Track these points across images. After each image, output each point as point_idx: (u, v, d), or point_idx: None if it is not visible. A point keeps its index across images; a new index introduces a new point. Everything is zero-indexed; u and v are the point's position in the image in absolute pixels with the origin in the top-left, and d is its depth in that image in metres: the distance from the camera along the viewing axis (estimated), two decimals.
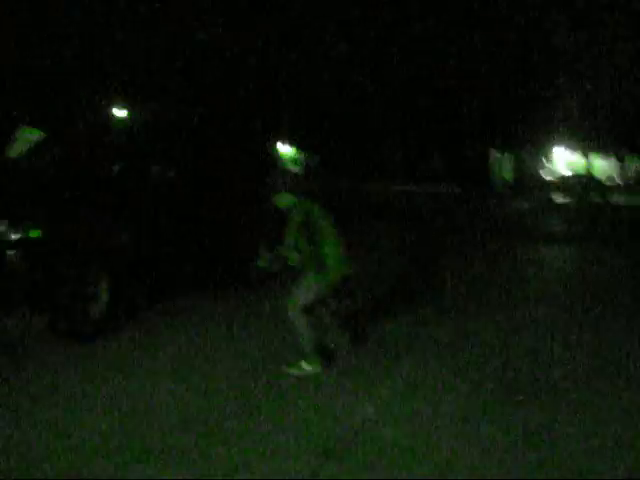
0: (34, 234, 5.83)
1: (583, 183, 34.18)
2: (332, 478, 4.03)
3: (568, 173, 39.50)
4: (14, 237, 5.72)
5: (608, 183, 37.26)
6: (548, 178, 38.30)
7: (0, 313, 6.65)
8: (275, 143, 28.09)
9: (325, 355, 6.01)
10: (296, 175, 6.07)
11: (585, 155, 42.70)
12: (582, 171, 40.00)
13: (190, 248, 7.86)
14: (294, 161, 31.90)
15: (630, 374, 5.92)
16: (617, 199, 32.33)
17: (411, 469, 4.17)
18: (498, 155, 38.01)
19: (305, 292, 5.75)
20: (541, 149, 42.53)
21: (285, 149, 32.00)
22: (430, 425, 4.88)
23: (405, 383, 5.72)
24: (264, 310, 7.80)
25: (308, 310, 5.78)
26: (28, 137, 7.79)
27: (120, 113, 15.29)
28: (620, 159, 44.19)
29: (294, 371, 5.77)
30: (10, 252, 5.68)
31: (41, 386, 5.33)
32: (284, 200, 5.83)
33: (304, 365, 5.78)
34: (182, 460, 4.20)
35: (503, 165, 39.22)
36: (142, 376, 5.65)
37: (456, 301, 8.73)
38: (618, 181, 41.98)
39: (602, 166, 43.63)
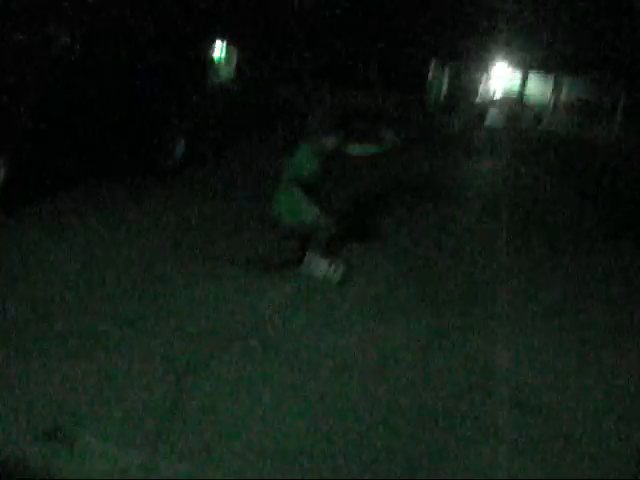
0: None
1: (514, 106, 34.35)
2: (228, 365, 4.07)
3: (500, 94, 39.59)
4: None
5: (538, 112, 37.39)
6: (478, 100, 38.39)
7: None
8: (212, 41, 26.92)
9: None
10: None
11: (524, 75, 42.58)
12: (516, 93, 40.07)
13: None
14: (226, 62, 30.82)
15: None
16: (549, 123, 32.72)
17: (314, 358, 4.24)
18: (436, 65, 37.60)
19: None
20: (481, 63, 42.27)
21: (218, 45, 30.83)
22: (339, 316, 4.97)
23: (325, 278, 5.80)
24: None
25: None
26: None
27: None
28: (558, 82, 44.08)
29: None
30: None
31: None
32: None
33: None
34: (75, 341, 4.15)
35: (440, 76, 38.92)
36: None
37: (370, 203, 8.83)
38: (551, 105, 42.06)
39: (539, 87, 43.59)
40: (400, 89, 34.22)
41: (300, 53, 32.52)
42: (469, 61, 39.91)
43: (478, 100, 36.82)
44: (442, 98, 38.07)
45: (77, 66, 7.35)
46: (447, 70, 39.89)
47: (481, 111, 33.31)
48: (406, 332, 4.84)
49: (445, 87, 39.72)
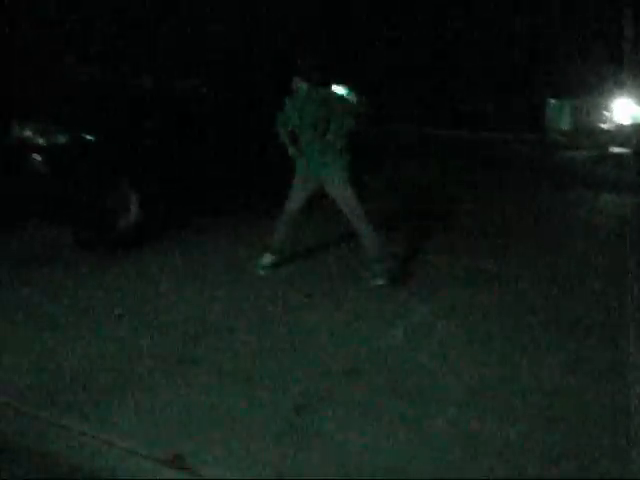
0: (62, 140, 5.68)
1: None
2: (349, 397, 3.91)
3: (627, 122, 37.88)
4: (41, 142, 5.57)
5: None
6: (605, 126, 36.97)
7: (26, 222, 6.62)
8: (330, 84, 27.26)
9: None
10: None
11: None
12: None
13: (214, 168, 7.72)
14: None
15: None
16: None
17: (434, 394, 4.02)
18: (554, 102, 36.79)
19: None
20: (602, 99, 40.93)
21: (338, 89, 31.30)
22: (460, 352, 4.72)
23: (440, 311, 5.57)
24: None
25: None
26: None
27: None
28: None
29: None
30: (36, 157, 5.55)
31: (65, 295, 5.29)
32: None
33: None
34: (195, 371, 4.11)
35: (560, 113, 37.98)
36: (163, 288, 5.59)
37: (506, 238, 8.49)
38: None
39: None
40: (518, 127, 33.63)
41: (417, 93, 32.62)
42: (590, 98, 38.78)
43: (602, 131, 35.44)
44: (563, 134, 37.00)
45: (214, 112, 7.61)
46: (568, 107, 38.83)
47: (606, 141, 32.05)
48: (543, 367, 4.53)
49: (567, 124, 38.61)
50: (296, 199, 6.32)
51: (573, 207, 12.15)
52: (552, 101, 36.35)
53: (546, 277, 6.80)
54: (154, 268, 6.11)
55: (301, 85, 6.24)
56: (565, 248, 8.25)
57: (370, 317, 5.26)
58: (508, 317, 5.53)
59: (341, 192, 6.04)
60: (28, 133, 5.55)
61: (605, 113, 41.38)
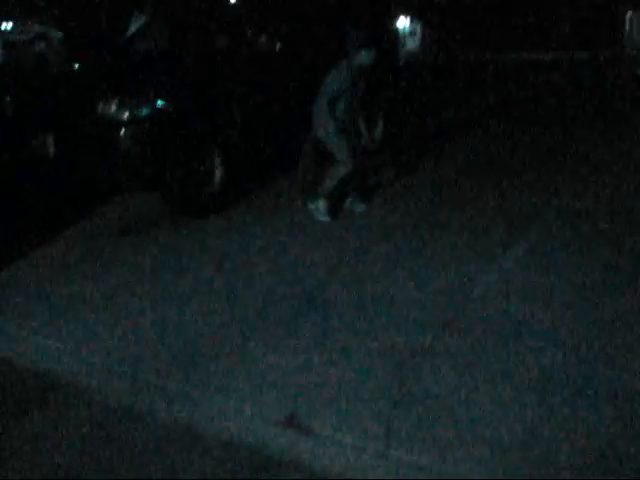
0: (145, 112, 5.80)
1: None
2: (449, 351, 3.90)
3: None
4: (126, 116, 5.71)
5: None
6: None
7: (116, 195, 6.82)
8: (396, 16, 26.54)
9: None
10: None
11: None
12: None
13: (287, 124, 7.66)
14: (411, 34, 30.60)
15: None
16: None
17: (535, 347, 3.93)
18: (631, 14, 35.02)
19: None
20: None
21: (402, 21, 30.51)
22: (559, 299, 4.57)
23: (533, 253, 5.42)
24: None
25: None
26: (139, 21, 7.77)
27: None
28: None
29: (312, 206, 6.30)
30: (122, 131, 5.69)
31: (158, 260, 5.47)
32: None
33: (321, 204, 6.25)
34: (298, 333, 4.18)
35: (636, 25, 36.20)
36: (258, 249, 5.67)
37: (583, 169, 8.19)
38: None
39: None
40: (593, 44, 32.23)
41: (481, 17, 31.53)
42: None
43: None
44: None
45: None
46: None
47: None
48: None
49: None
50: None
51: None
52: (628, 12, 34.62)
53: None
54: (245, 231, 6.18)
55: (366, 50, 5.92)
56: None
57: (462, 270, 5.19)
58: None
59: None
60: (112, 108, 5.74)
61: None
